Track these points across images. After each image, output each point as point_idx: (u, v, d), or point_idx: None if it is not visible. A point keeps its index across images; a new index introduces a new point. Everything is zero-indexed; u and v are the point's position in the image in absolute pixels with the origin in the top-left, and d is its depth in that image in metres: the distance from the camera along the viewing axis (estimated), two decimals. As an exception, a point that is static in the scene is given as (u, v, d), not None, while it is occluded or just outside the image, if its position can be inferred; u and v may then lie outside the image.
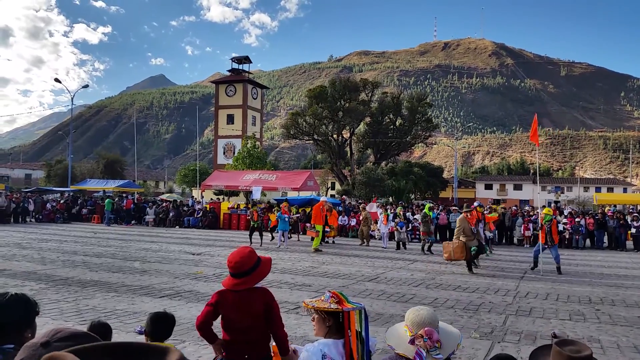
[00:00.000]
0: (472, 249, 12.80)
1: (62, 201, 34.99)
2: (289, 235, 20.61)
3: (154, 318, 3.10)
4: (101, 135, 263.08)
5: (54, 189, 43.11)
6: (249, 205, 25.92)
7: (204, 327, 3.21)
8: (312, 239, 18.38)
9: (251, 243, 18.45)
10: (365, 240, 20.63)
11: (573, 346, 2.12)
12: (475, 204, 15.34)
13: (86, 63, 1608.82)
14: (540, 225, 13.85)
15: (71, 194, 38.81)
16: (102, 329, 2.98)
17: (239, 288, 3.13)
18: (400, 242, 18.72)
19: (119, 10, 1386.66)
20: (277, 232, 19.43)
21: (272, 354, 3.25)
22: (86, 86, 46.83)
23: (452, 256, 12.91)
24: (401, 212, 20.72)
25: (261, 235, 19.79)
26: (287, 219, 19.04)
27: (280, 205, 20.64)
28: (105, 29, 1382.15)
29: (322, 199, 18.39)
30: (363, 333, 2.64)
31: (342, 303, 2.67)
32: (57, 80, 42.33)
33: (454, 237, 13.42)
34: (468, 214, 13.71)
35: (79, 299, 8.56)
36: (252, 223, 19.65)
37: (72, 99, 42.77)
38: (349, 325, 2.62)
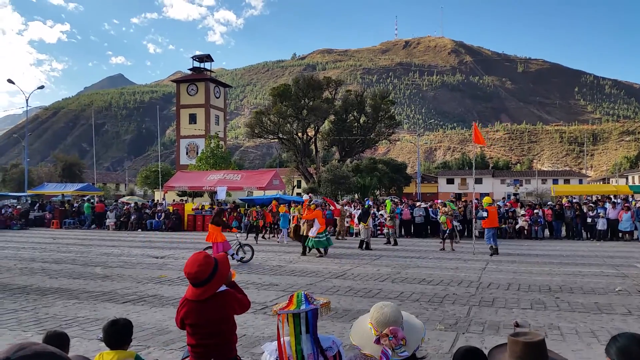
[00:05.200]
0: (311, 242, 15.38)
1: (18, 206, 33.79)
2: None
3: (106, 326, 3.04)
4: (58, 137, 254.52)
5: (10, 194, 41.53)
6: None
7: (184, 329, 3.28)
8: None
9: (255, 238, 20.81)
10: (341, 235, 22.25)
11: (526, 335, 2.25)
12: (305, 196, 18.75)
13: (43, 63, 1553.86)
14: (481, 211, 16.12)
15: (28, 199, 37.53)
16: (58, 340, 2.88)
17: (203, 298, 3.06)
18: (365, 242, 17.88)
19: (78, 7, 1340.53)
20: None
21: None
22: (42, 87, 45.24)
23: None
24: (372, 210, 21.01)
25: (256, 235, 21.25)
26: (288, 217, 21.09)
27: (281, 205, 23.34)
28: (63, 27, 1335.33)
29: (305, 197, 19.47)
30: (303, 336, 2.68)
31: (288, 306, 2.73)
32: (10, 81, 40.77)
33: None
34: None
35: (38, 308, 8.28)
36: (250, 222, 21.64)
37: (27, 100, 41.32)
38: (280, 327, 2.73)
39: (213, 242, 13.36)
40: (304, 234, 15.97)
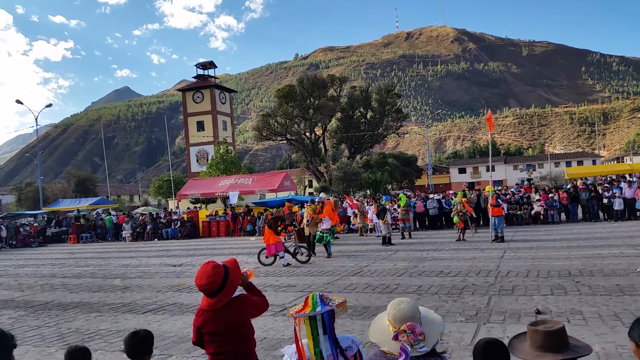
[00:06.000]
0: (317, 237, 15.25)
1: (35, 224, 34.20)
2: None
3: (127, 338, 3.06)
4: (70, 153, 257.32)
5: (26, 212, 42.03)
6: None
7: (200, 345, 3.27)
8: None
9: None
10: (362, 232, 22.60)
11: (545, 323, 2.24)
12: (317, 199, 17.74)
13: (50, 81, 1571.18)
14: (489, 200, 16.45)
15: (44, 216, 37.96)
16: (80, 354, 2.91)
17: (217, 307, 3.08)
18: (387, 237, 17.53)
19: (80, 23, 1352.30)
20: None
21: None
22: (50, 105, 45.69)
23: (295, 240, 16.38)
24: (388, 205, 20.97)
25: None
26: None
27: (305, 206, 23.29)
28: (67, 44, 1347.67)
29: (324, 197, 18.81)
30: (321, 338, 2.68)
31: (303, 308, 2.73)
32: (18, 101, 41.30)
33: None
34: (309, 207, 15.96)
35: (61, 323, 8.38)
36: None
37: (36, 119, 41.79)
38: (298, 330, 2.74)
39: (267, 244, 14.04)
40: (309, 235, 15.80)
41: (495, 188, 27.25)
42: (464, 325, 6.57)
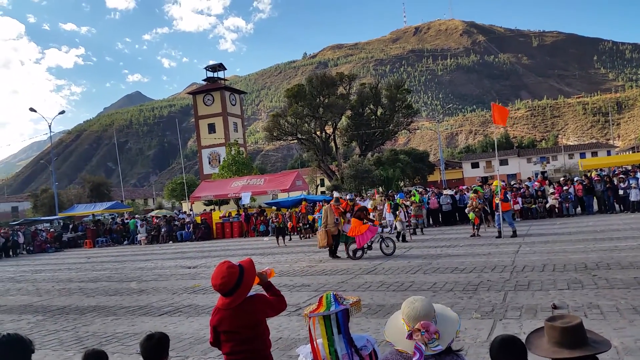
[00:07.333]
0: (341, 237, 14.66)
1: (51, 230, 34.65)
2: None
3: (142, 342, 3.09)
4: (84, 159, 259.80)
5: (43, 218, 42.58)
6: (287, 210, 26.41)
7: (217, 346, 3.30)
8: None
9: (278, 243, 20.92)
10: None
11: (563, 319, 2.21)
12: (348, 196, 17.73)
13: (62, 88, 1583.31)
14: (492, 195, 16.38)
15: (60, 222, 38.41)
16: (96, 358, 2.93)
17: (233, 306, 3.11)
18: (402, 234, 17.67)
19: (90, 30, 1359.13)
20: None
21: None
22: (63, 112, 46.26)
23: (319, 243, 14.91)
24: (403, 203, 20.91)
25: (284, 237, 21.79)
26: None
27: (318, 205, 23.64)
28: (78, 51, 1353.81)
29: (336, 194, 18.37)
30: (335, 337, 2.67)
31: (318, 308, 2.72)
32: (32, 109, 41.84)
33: (321, 226, 15.21)
34: (336, 205, 15.25)
35: (78, 327, 8.47)
36: (277, 225, 22.09)
37: (49, 126, 42.28)
38: (312, 330, 2.74)
39: (357, 235, 14.10)
40: (337, 233, 14.94)
41: (511, 182, 27.07)
42: (479, 322, 6.52)
